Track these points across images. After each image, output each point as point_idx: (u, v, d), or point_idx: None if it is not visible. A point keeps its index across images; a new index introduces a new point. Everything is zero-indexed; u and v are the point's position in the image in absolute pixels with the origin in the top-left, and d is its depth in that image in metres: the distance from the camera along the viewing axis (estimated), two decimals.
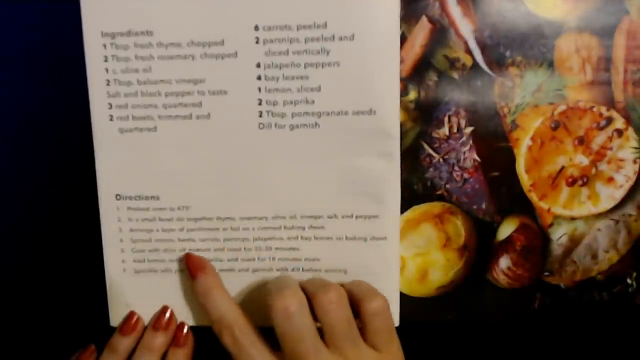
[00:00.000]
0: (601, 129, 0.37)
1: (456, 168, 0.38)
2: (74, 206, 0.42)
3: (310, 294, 0.34)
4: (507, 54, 0.37)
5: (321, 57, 0.35)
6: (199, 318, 0.38)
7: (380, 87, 0.35)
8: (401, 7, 0.35)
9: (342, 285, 0.35)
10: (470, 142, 0.38)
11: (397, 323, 0.37)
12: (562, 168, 0.38)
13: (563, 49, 0.36)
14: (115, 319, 0.38)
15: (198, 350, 0.38)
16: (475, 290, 0.39)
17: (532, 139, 0.37)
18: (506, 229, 0.38)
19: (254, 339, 0.34)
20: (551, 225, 0.38)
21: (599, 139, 0.37)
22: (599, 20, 0.36)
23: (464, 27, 0.36)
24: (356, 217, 0.37)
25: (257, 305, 0.38)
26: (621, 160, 0.37)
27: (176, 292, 0.38)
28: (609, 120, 0.37)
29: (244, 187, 0.37)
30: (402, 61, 0.36)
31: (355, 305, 0.34)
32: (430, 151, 0.38)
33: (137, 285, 0.38)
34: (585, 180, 0.38)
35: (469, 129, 0.37)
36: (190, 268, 0.37)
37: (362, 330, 0.34)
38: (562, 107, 0.37)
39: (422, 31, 0.37)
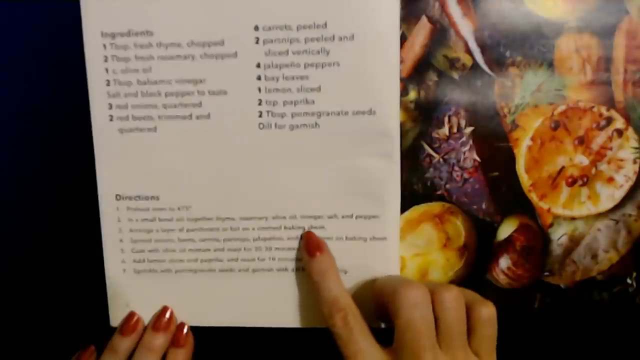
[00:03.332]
0: (601, 129, 0.37)
1: (456, 168, 0.38)
2: (74, 206, 0.42)
3: (430, 290, 0.33)
4: (507, 54, 0.37)
5: (321, 57, 0.35)
6: (199, 318, 0.38)
7: (380, 87, 0.35)
8: (401, 7, 0.35)
9: None
10: (470, 142, 0.38)
11: None
12: (562, 168, 0.38)
13: (563, 49, 0.36)
14: (115, 319, 0.38)
15: (198, 351, 0.38)
16: (475, 290, 0.38)
17: (532, 139, 0.37)
18: (506, 229, 0.38)
19: (364, 327, 0.34)
20: (551, 225, 0.38)
21: (599, 139, 0.37)
22: (599, 20, 0.36)
23: (464, 27, 0.36)
24: (356, 217, 0.37)
25: (257, 305, 0.38)
26: (621, 160, 0.37)
27: (176, 292, 0.38)
28: (609, 120, 0.37)
29: (244, 187, 0.37)
30: (402, 61, 0.36)
31: (466, 308, 0.34)
32: (430, 151, 0.38)
33: (137, 285, 0.38)
34: (585, 180, 0.38)
35: (469, 129, 0.37)
36: (309, 247, 0.36)
37: (468, 335, 0.33)
38: (562, 107, 0.37)
39: (422, 31, 0.37)
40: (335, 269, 0.36)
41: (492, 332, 0.34)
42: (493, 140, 0.38)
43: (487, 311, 0.34)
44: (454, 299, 0.33)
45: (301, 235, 0.37)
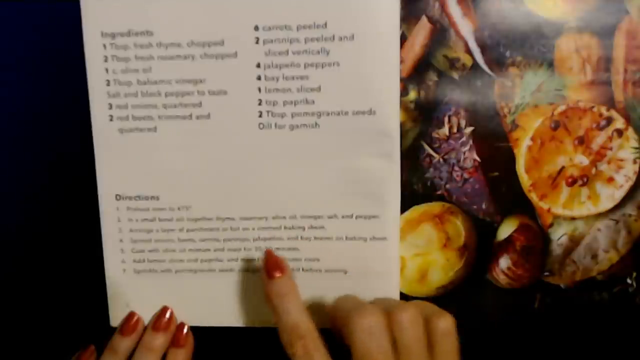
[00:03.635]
0: (601, 129, 0.37)
1: (456, 168, 0.38)
2: (74, 206, 0.42)
3: (386, 311, 0.33)
4: (507, 54, 0.37)
5: (321, 57, 0.35)
6: (199, 318, 0.38)
7: (380, 87, 0.35)
8: (401, 7, 0.35)
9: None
10: (470, 142, 0.38)
11: None
12: (562, 168, 0.38)
13: (563, 49, 0.36)
14: (115, 319, 0.38)
15: (198, 351, 0.38)
16: (475, 290, 0.39)
17: (532, 139, 0.37)
18: (506, 229, 0.38)
19: (325, 353, 0.32)
20: (551, 225, 0.38)
21: (599, 139, 0.37)
22: (599, 20, 0.36)
23: (464, 27, 0.36)
24: (356, 217, 0.37)
25: (257, 305, 0.38)
26: (621, 160, 0.37)
27: (176, 292, 0.38)
28: (609, 120, 0.37)
29: (244, 187, 0.37)
30: (402, 61, 0.36)
31: (424, 324, 0.33)
32: (430, 151, 0.38)
33: (137, 285, 0.38)
34: (585, 180, 0.38)
35: (469, 129, 0.37)
36: (268, 267, 0.35)
37: (429, 350, 0.33)
38: (562, 107, 0.37)
39: (422, 31, 0.37)
40: (296, 291, 0.34)
41: (451, 345, 0.33)
42: (493, 140, 0.38)
43: (445, 324, 0.33)
44: (411, 319, 0.32)
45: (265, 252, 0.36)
